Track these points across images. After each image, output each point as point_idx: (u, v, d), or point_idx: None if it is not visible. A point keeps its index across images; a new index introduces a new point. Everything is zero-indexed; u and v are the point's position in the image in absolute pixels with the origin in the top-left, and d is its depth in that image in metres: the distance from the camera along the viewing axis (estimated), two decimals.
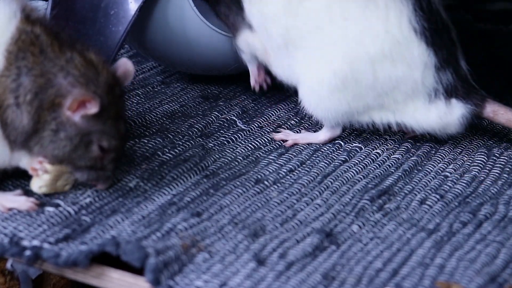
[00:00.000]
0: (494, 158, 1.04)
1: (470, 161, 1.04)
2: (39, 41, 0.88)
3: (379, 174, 1.01)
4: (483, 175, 1.01)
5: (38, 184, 0.91)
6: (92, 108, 0.86)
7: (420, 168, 1.02)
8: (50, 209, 0.90)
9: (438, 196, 0.96)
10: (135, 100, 1.16)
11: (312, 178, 0.99)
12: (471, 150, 1.06)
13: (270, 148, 1.06)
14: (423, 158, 1.04)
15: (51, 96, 0.87)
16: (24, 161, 0.91)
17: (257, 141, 1.07)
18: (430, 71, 1.02)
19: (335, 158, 1.04)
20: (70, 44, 0.89)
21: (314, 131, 1.09)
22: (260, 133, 1.09)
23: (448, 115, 1.03)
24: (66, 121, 0.87)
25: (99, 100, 0.86)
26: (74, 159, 0.89)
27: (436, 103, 1.03)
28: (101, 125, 0.88)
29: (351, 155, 1.04)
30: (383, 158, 1.04)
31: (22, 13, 0.88)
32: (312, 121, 1.13)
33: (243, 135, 1.09)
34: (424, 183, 0.99)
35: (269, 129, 1.10)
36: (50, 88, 0.87)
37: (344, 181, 0.99)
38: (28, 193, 0.91)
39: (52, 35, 0.88)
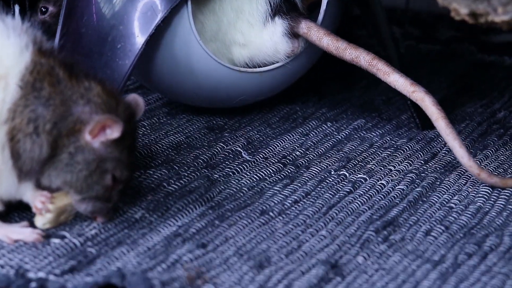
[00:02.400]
0: (499, 189, 1.04)
1: (475, 192, 1.04)
2: (54, 72, 0.88)
3: (384, 205, 1.01)
4: (488, 207, 1.01)
5: (42, 221, 0.91)
6: (114, 133, 0.87)
7: (425, 199, 1.02)
8: (56, 240, 0.90)
9: (443, 228, 0.96)
10: (141, 131, 1.17)
11: (317, 209, 0.99)
12: (476, 181, 1.06)
13: (275, 179, 1.06)
14: (428, 189, 1.04)
15: (71, 123, 0.87)
16: (27, 194, 0.91)
17: (262, 172, 1.07)
18: None
19: (340, 189, 1.04)
20: (85, 75, 0.90)
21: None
22: (265, 164, 1.09)
23: (274, 33, 1.10)
24: (85, 146, 0.88)
25: (122, 124, 0.87)
26: (86, 186, 0.89)
27: (267, 25, 1.10)
28: (117, 153, 0.89)
29: (356, 186, 1.04)
30: (388, 189, 1.04)
31: (35, 45, 0.89)
32: (316, 152, 1.13)
33: (248, 166, 1.09)
34: (429, 214, 0.99)
35: (274, 160, 1.11)
36: (70, 116, 0.87)
37: (349, 212, 0.99)
38: (33, 224, 0.92)
39: (66, 66, 0.89)
